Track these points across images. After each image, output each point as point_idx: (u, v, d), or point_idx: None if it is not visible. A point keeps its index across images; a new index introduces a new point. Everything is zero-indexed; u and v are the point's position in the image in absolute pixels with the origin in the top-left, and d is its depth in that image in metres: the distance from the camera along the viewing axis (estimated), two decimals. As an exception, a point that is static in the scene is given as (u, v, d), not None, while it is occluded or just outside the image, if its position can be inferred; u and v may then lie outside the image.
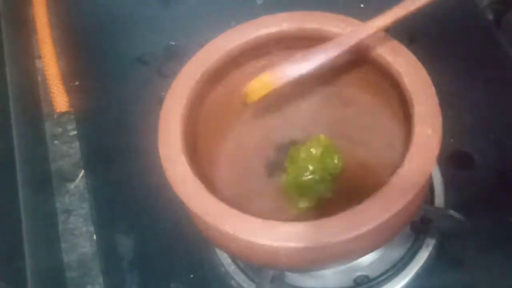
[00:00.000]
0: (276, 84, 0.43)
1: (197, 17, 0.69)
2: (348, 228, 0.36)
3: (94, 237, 0.58)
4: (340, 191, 0.46)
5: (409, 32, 0.60)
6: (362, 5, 0.66)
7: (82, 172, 0.62)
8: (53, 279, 0.56)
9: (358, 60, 0.45)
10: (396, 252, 0.51)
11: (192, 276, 0.53)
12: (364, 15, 0.44)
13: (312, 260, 0.39)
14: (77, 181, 0.62)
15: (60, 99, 0.66)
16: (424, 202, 0.45)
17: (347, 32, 0.43)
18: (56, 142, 0.65)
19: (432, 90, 0.41)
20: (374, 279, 0.50)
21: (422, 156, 0.38)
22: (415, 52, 0.43)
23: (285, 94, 0.50)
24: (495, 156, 0.55)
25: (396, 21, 0.41)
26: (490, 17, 0.65)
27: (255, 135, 0.49)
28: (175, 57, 0.66)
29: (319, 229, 0.36)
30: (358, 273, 0.50)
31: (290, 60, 0.43)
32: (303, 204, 0.45)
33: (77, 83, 0.68)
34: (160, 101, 0.44)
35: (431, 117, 0.39)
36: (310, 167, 0.46)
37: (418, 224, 0.50)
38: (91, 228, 0.58)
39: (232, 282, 0.52)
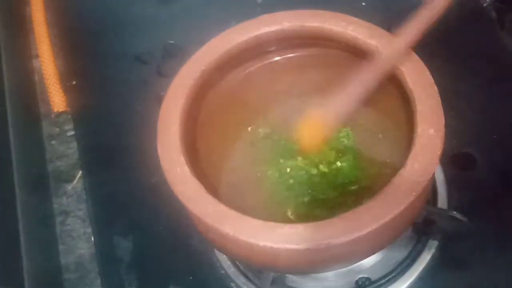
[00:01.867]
0: (329, 130, 0.43)
1: (197, 16, 0.68)
2: (350, 229, 0.36)
3: (92, 238, 0.57)
4: (341, 192, 0.45)
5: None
6: (363, 3, 0.65)
7: (79, 173, 0.62)
8: (50, 281, 0.56)
9: (360, 59, 0.45)
10: (398, 254, 0.50)
11: (191, 278, 0.53)
12: (366, 13, 0.44)
13: (313, 262, 0.39)
14: (74, 182, 0.62)
15: (57, 98, 0.66)
16: (427, 203, 0.45)
17: (379, 56, 0.41)
18: (53, 142, 0.65)
19: (434, 89, 0.41)
20: (376, 281, 0.49)
21: (424, 157, 0.38)
22: (417, 51, 0.42)
23: (286, 94, 0.49)
24: (498, 157, 0.55)
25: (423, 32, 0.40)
26: (494, 15, 0.65)
27: (256, 135, 0.49)
28: (174, 56, 0.66)
29: (320, 231, 0.36)
30: (360, 275, 0.50)
31: (332, 102, 0.42)
32: (298, 202, 0.45)
33: (74, 82, 0.67)
34: (159, 101, 0.44)
35: (433, 117, 0.39)
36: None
37: (421, 226, 0.49)
38: (89, 230, 0.58)
39: (232, 284, 0.51)
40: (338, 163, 0.46)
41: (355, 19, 0.44)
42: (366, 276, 0.50)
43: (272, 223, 0.37)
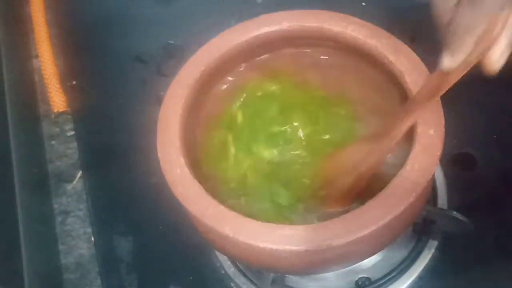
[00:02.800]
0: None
1: (197, 15, 0.68)
2: (349, 230, 0.36)
3: (92, 238, 0.57)
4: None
5: (410, 31, 0.59)
6: (363, 3, 0.65)
7: (79, 173, 0.62)
8: (50, 281, 0.56)
9: (360, 59, 0.45)
10: (398, 254, 0.50)
11: (191, 278, 0.53)
12: (366, 13, 0.44)
13: (313, 263, 0.39)
14: (74, 182, 0.61)
15: (57, 98, 0.66)
16: (427, 203, 0.45)
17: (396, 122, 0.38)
18: (53, 142, 0.65)
19: (434, 89, 0.40)
20: (376, 281, 0.49)
21: (424, 157, 0.38)
22: (416, 51, 0.42)
23: (287, 94, 0.49)
24: (498, 157, 0.55)
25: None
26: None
27: (257, 135, 0.49)
28: (174, 56, 0.65)
29: (319, 232, 0.36)
30: (360, 275, 0.50)
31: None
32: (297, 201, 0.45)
33: (74, 82, 0.67)
34: (159, 101, 0.44)
35: (433, 117, 0.39)
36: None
37: (421, 226, 0.49)
38: (89, 230, 0.58)
39: (232, 284, 0.51)
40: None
41: (355, 19, 0.44)
42: (366, 276, 0.50)
43: (272, 224, 0.37)
